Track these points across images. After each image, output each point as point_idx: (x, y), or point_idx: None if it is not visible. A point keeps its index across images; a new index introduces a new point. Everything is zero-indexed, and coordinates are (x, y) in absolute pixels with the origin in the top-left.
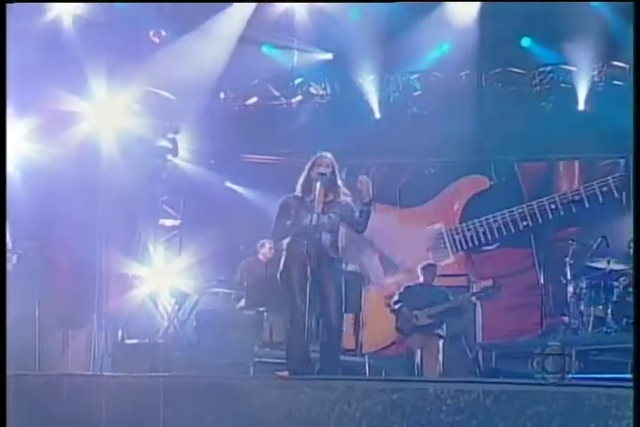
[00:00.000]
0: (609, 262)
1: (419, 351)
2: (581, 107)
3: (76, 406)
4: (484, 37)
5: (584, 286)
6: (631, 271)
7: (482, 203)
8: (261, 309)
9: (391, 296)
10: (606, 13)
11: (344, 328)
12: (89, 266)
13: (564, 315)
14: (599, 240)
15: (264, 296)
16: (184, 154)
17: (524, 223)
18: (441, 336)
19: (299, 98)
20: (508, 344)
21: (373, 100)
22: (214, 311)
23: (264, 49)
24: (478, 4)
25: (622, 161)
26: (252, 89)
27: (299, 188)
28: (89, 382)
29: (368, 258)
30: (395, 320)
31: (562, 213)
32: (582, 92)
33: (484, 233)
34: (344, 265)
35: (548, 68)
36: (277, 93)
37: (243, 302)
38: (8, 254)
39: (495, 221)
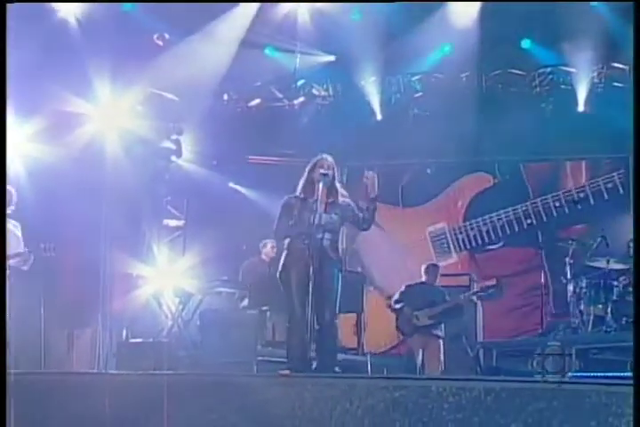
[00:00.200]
0: (608, 262)
1: (420, 351)
2: (581, 108)
3: (81, 403)
4: (485, 39)
5: (584, 285)
6: (631, 270)
7: (486, 201)
8: (264, 308)
9: (392, 297)
10: (606, 15)
11: (340, 327)
12: (94, 266)
13: (565, 314)
14: (599, 240)
15: (267, 296)
16: (188, 155)
17: (529, 222)
18: (441, 337)
19: (301, 99)
20: (508, 343)
21: (375, 102)
22: (218, 311)
23: (267, 51)
24: (478, 5)
25: (630, 158)
26: (254, 91)
27: (300, 189)
28: (94, 380)
29: (371, 259)
30: (395, 320)
31: (567, 210)
32: (582, 94)
33: (488, 232)
34: (344, 265)
35: (548, 69)
36: (280, 95)
37: (246, 302)
38: (23, 256)
39: (499, 219)
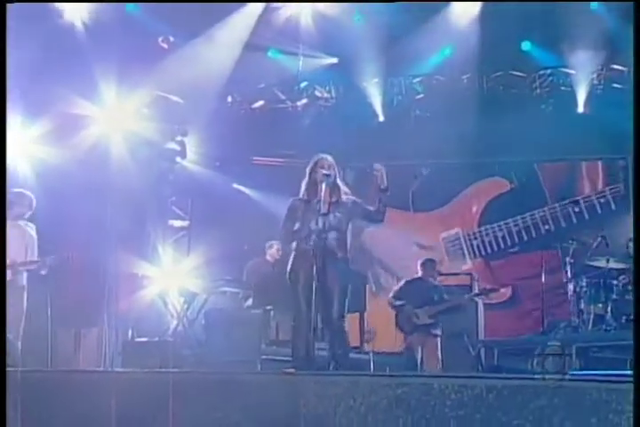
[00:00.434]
0: (608, 261)
1: (419, 349)
2: (581, 109)
3: (88, 400)
4: (485, 41)
5: (584, 284)
6: (631, 270)
7: (501, 206)
8: (268, 307)
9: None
10: (605, 17)
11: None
12: (99, 266)
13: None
14: (599, 239)
15: (271, 295)
16: (192, 156)
17: (546, 227)
18: (440, 335)
19: (304, 101)
20: (510, 342)
21: (377, 103)
22: (222, 310)
23: (270, 54)
24: (479, 8)
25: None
26: (258, 93)
27: (303, 190)
28: (100, 377)
29: (376, 264)
30: (395, 316)
31: (586, 216)
32: (582, 95)
33: (504, 238)
34: (350, 265)
35: (548, 71)
36: (283, 97)
37: (250, 301)
38: (40, 259)
39: (516, 225)
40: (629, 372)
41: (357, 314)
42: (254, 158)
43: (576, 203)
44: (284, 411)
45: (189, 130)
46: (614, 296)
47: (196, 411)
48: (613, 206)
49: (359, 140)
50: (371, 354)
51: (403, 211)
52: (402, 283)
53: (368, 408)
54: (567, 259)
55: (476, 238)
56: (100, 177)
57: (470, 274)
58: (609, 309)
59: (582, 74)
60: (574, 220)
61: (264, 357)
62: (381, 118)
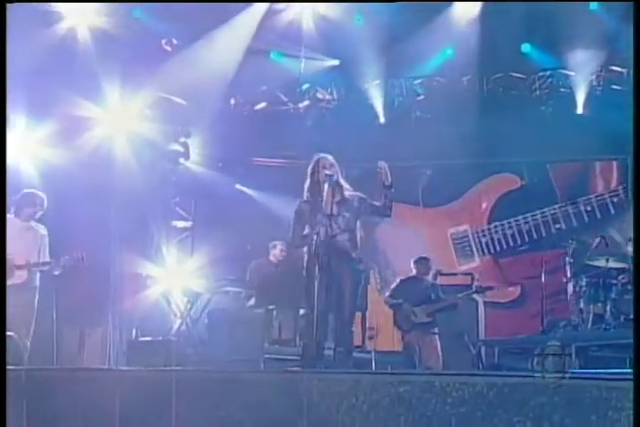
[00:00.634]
0: (607, 261)
1: (418, 348)
2: (580, 110)
3: (91, 398)
4: (485, 43)
5: (584, 283)
6: (629, 269)
7: (512, 203)
8: (271, 307)
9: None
10: (604, 19)
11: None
12: (104, 267)
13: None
14: (598, 239)
15: (273, 295)
16: (195, 157)
17: (557, 226)
18: (438, 333)
19: (306, 103)
20: (510, 340)
21: (378, 105)
22: (225, 310)
23: (272, 56)
24: (479, 10)
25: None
26: (260, 94)
27: (307, 192)
28: (104, 375)
29: (381, 259)
30: (393, 315)
31: (598, 215)
32: (581, 97)
33: (513, 235)
34: (362, 265)
35: (548, 72)
36: (285, 99)
37: (253, 301)
38: (59, 263)
39: (526, 222)
40: (628, 370)
41: (359, 313)
42: (257, 159)
43: (588, 201)
44: (287, 409)
45: (192, 131)
46: (613, 296)
47: (199, 409)
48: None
49: (360, 141)
50: (372, 353)
51: (412, 206)
52: (397, 281)
53: (370, 406)
54: (567, 258)
55: (484, 236)
56: (103, 178)
57: (470, 274)
58: (608, 308)
59: (581, 75)
60: (586, 219)
61: (267, 356)
62: (382, 120)
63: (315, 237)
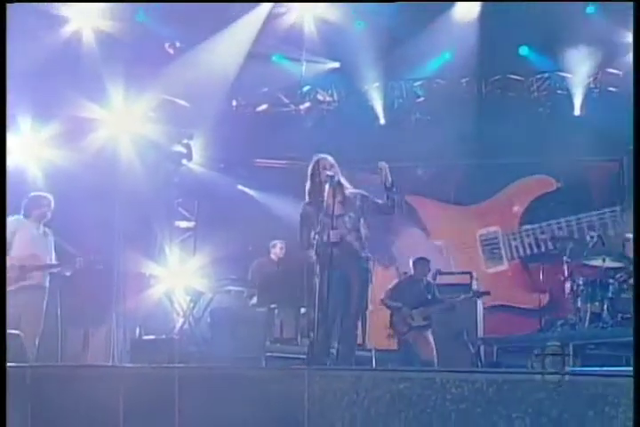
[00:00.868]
0: (604, 260)
1: (417, 348)
2: (577, 112)
3: (96, 395)
4: (484, 46)
5: (581, 283)
6: (626, 268)
7: (546, 206)
8: (272, 306)
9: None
10: (600, 22)
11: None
12: (108, 266)
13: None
14: (595, 239)
15: (275, 294)
16: (198, 158)
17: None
18: (437, 331)
19: (307, 105)
20: (509, 339)
21: (378, 107)
22: (227, 309)
23: (274, 59)
24: (478, 13)
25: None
26: (262, 96)
27: (308, 193)
28: (108, 373)
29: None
30: (390, 316)
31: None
32: (578, 98)
33: (545, 241)
34: (370, 264)
35: (545, 74)
36: (286, 100)
37: (255, 300)
38: (72, 264)
39: (559, 228)
40: (625, 368)
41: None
42: (258, 160)
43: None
44: (289, 405)
45: (195, 133)
46: (610, 295)
47: (202, 405)
48: None
49: (361, 142)
50: (373, 351)
51: (445, 203)
52: (394, 282)
53: (371, 402)
54: (564, 258)
55: (515, 239)
56: (107, 179)
57: (470, 273)
58: (605, 307)
59: (578, 77)
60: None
61: (268, 354)
62: (382, 121)
63: (324, 238)
